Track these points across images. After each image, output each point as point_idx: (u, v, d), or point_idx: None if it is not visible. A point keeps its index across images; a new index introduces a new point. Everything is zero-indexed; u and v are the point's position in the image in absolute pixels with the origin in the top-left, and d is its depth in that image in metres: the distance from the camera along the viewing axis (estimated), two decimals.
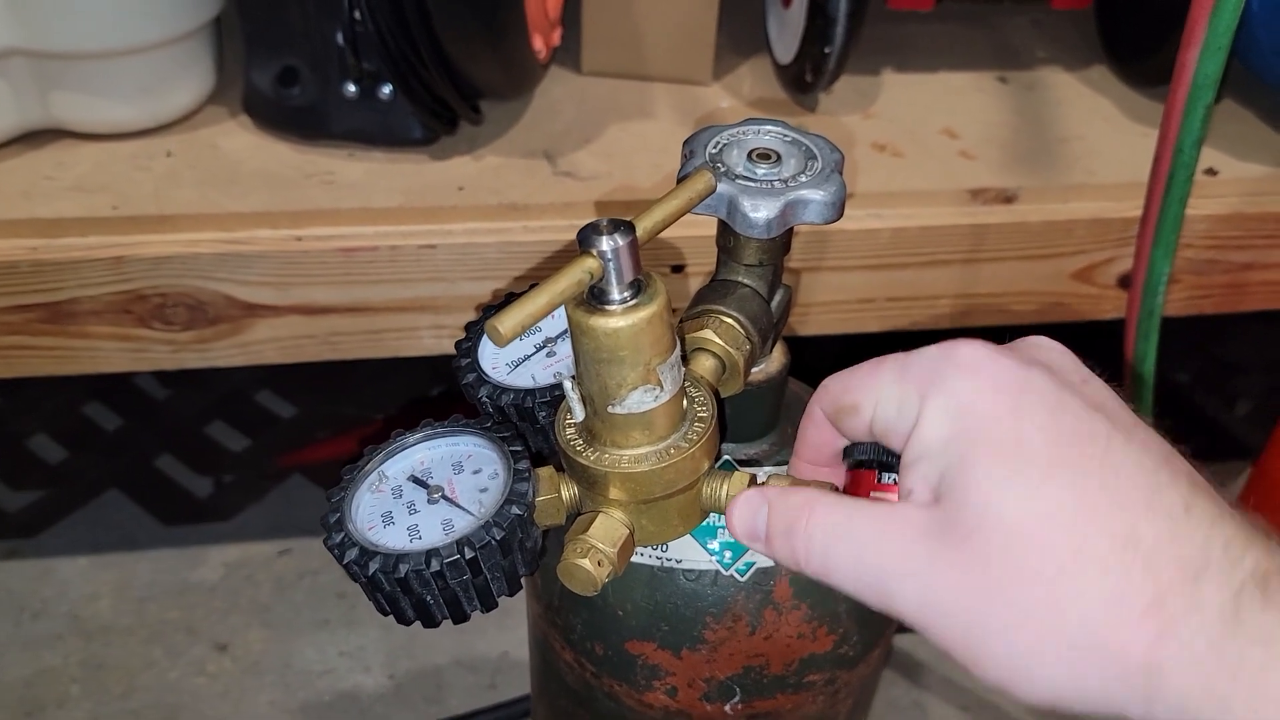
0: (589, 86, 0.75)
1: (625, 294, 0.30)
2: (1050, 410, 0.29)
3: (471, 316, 0.67)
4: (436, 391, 1.02)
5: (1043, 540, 0.27)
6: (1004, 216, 0.68)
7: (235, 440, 0.96)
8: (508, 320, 0.28)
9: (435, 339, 0.67)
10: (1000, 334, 0.33)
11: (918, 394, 0.30)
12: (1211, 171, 0.70)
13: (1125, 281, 0.70)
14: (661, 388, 0.31)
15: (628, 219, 0.30)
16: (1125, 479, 0.28)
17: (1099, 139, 0.73)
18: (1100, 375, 0.31)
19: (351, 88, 0.66)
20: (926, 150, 0.71)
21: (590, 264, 0.29)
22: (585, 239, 0.29)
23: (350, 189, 0.65)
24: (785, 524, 0.32)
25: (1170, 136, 0.50)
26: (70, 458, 0.94)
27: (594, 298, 0.30)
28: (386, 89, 0.66)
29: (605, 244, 0.29)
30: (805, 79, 0.71)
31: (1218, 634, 0.26)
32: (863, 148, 0.71)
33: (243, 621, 0.83)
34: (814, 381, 0.35)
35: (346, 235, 0.63)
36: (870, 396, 0.32)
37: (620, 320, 0.30)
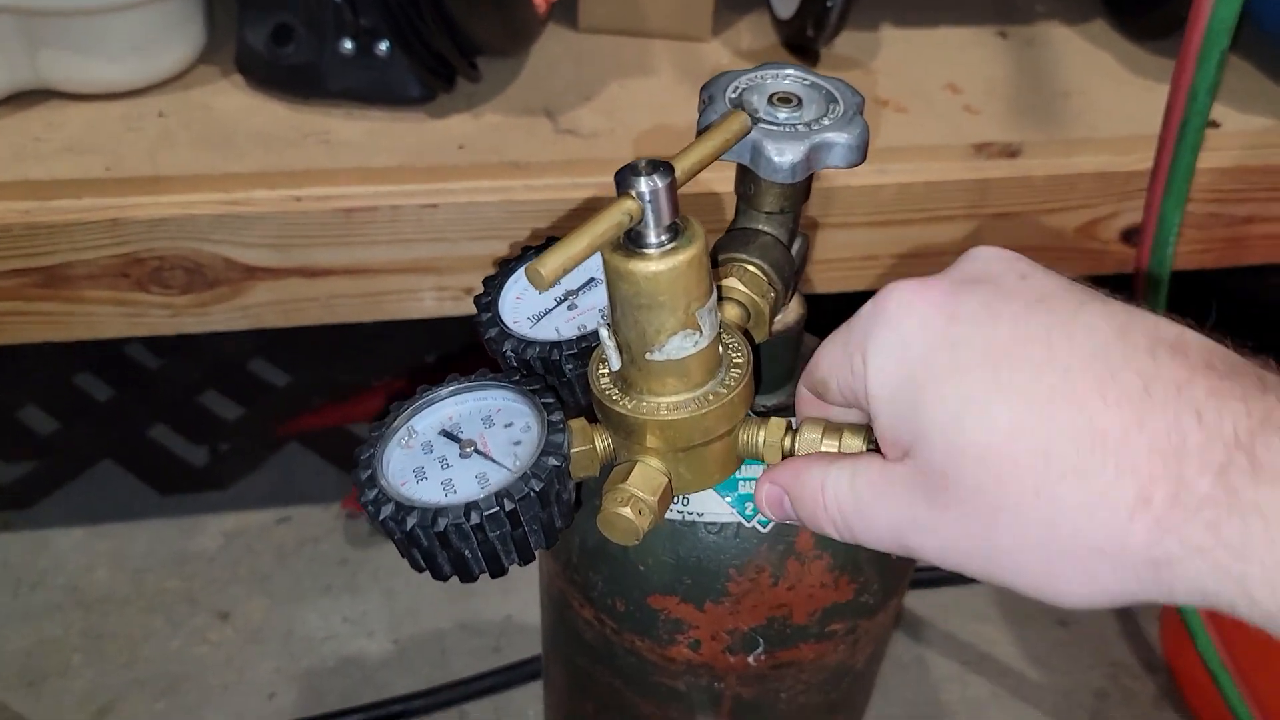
0: (587, 43, 0.74)
1: (663, 237, 0.29)
2: (983, 327, 0.28)
3: (474, 277, 0.66)
4: (433, 358, 1.01)
5: (1010, 464, 0.27)
6: (1008, 171, 0.68)
7: (230, 409, 0.95)
8: (550, 263, 0.27)
9: (437, 301, 0.67)
10: None
11: (860, 356, 0.30)
12: (1214, 124, 0.70)
13: (1128, 236, 0.70)
14: (700, 333, 0.31)
15: (666, 159, 0.29)
16: (1076, 372, 0.27)
17: (1100, 93, 0.73)
18: None
19: (348, 45, 0.64)
20: (930, 105, 0.71)
21: (629, 205, 0.28)
22: (623, 180, 0.28)
23: (348, 148, 0.64)
24: (808, 511, 0.33)
25: (1184, 84, 0.50)
26: (62, 429, 0.93)
27: (631, 241, 0.29)
28: (384, 45, 0.64)
29: (644, 185, 0.28)
30: (806, 34, 0.70)
31: (1213, 517, 0.25)
32: (868, 103, 0.70)
33: (243, 590, 0.83)
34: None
35: (346, 195, 0.62)
36: (830, 372, 0.32)
37: (659, 264, 0.29)
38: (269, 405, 0.96)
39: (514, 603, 0.83)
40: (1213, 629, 0.67)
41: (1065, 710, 0.77)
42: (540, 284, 0.27)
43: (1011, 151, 0.68)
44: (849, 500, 0.31)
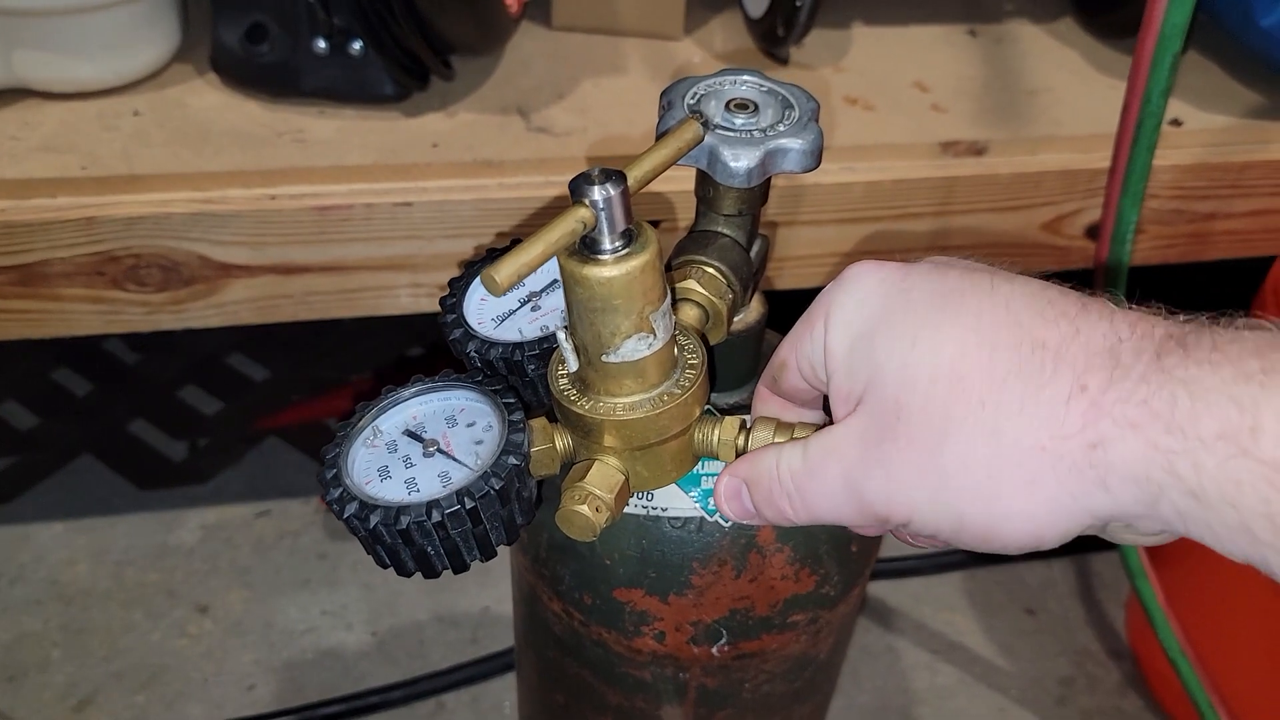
0: (560, 41, 0.75)
1: (617, 243, 0.30)
2: (933, 280, 0.31)
3: (448, 275, 0.67)
4: (415, 353, 1.01)
5: (957, 379, 0.28)
6: (974, 169, 0.69)
7: (209, 404, 0.96)
8: (504, 269, 0.28)
9: (412, 298, 0.67)
10: None
11: (822, 321, 0.32)
12: (1176, 122, 0.72)
13: (1093, 232, 0.72)
14: (655, 335, 0.32)
15: (618, 169, 0.30)
16: (1016, 303, 0.29)
17: (1067, 91, 0.74)
18: None
19: (322, 44, 0.65)
20: (898, 104, 0.72)
21: (583, 214, 0.29)
22: (577, 189, 0.29)
23: (323, 147, 0.64)
24: (764, 493, 0.34)
25: (1139, 86, 0.51)
26: (41, 424, 0.93)
27: (586, 247, 0.30)
28: (357, 44, 0.65)
29: (597, 193, 0.29)
30: (776, 32, 0.71)
31: (1144, 394, 0.26)
32: (835, 101, 0.72)
33: (223, 583, 0.83)
34: None
35: (320, 193, 0.63)
36: (791, 349, 0.34)
37: (613, 269, 0.30)
38: (248, 400, 0.96)
39: (491, 595, 0.84)
40: (1173, 618, 0.68)
41: (1032, 697, 0.79)
42: (495, 289, 0.28)
43: (978, 150, 0.69)
44: (800, 467, 0.32)
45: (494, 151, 0.65)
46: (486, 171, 0.65)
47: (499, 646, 0.80)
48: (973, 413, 0.28)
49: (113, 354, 0.99)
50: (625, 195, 0.30)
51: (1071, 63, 0.77)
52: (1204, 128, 0.72)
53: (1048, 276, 0.32)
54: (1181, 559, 0.74)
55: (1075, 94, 0.74)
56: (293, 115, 0.66)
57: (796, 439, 0.35)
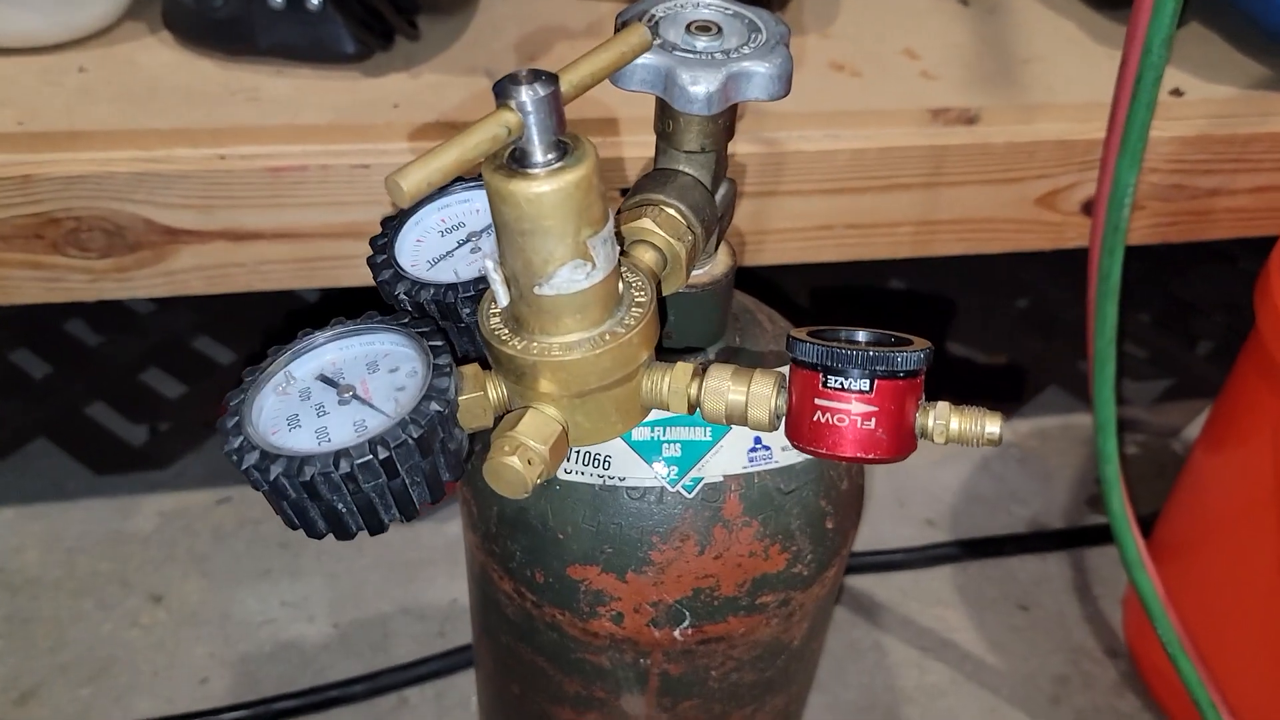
0: (534, 4, 0.72)
1: (550, 155, 0.27)
2: None
3: None
4: None
5: None
6: (966, 138, 0.65)
7: (171, 387, 0.92)
8: (411, 175, 0.25)
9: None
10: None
11: None
12: (1177, 92, 0.68)
13: (1088, 208, 0.68)
14: (593, 264, 0.28)
15: (551, 70, 0.27)
16: None
17: (1062, 60, 0.71)
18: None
19: None
20: (886, 70, 0.68)
21: (508, 118, 0.26)
22: (502, 90, 0.26)
23: (277, 106, 0.61)
24: None
25: (1138, 34, 0.47)
26: None
27: (514, 160, 0.27)
28: (315, 0, 0.62)
29: (525, 94, 0.26)
30: None
31: None
32: (820, 67, 0.68)
33: (179, 572, 0.80)
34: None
35: (273, 154, 0.59)
36: None
37: (544, 184, 0.27)
38: (212, 384, 0.93)
39: (460, 587, 0.80)
40: (1173, 612, 0.65)
41: (1025, 695, 0.75)
42: (400, 198, 0.25)
43: (969, 118, 0.66)
44: None
45: (459, 114, 0.62)
46: (450, 134, 0.61)
47: (467, 640, 0.76)
48: None
49: (74, 335, 0.95)
50: (557, 99, 0.26)
51: (1066, 32, 0.74)
52: (1206, 98, 0.69)
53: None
54: (1182, 552, 0.70)
55: (1071, 63, 0.71)
56: (247, 74, 0.63)
57: (755, 396, 0.32)
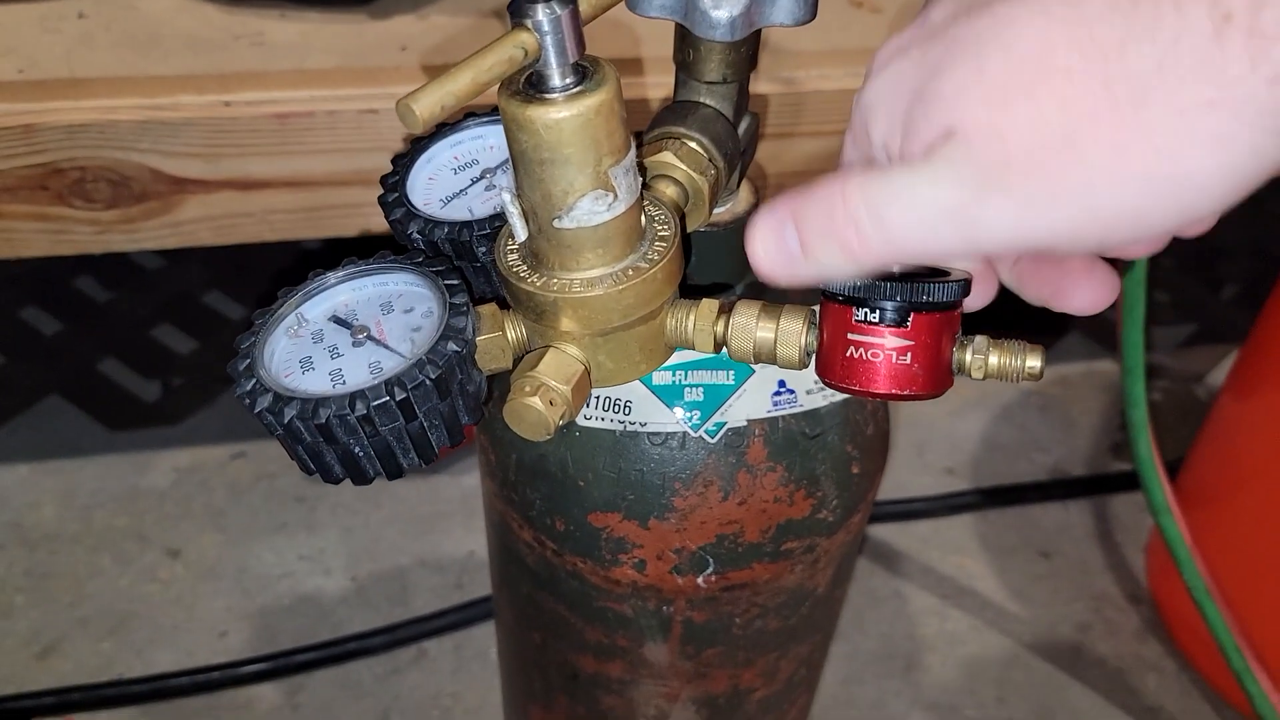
0: None
1: (569, 79, 0.25)
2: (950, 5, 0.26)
3: None
4: None
5: (1062, 77, 0.23)
6: None
7: (183, 343, 0.92)
8: (424, 98, 0.23)
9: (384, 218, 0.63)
10: None
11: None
12: None
13: None
14: (615, 195, 0.27)
15: None
16: None
17: None
18: None
19: None
20: (908, 5, 0.66)
21: (524, 38, 0.24)
22: (517, 9, 0.24)
23: (283, 50, 0.60)
24: (822, 222, 0.26)
25: None
26: (8, 363, 0.89)
27: (531, 85, 0.26)
28: None
29: (541, 13, 0.24)
30: None
31: None
32: (840, 3, 0.66)
33: (195, 527, 0.79)
34: None
35: (279, 99, 0.58)
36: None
37: (563, 110, 0.25)
38: (224, 338, 0.92)
39: (478, 539, 0.80)
40: (1199, 558, 0.64)
41: (1047, 643, 0.75)
42: (413, 123, 0.23)
43: None
44: (883, 186, 0.25)
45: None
46: None
47: (485, 592, 0.76)
48: (1100, 103, 0.22)
49: (84, 292, 0.94)
50: (576, 18, 0.25)
51: None
52: None
53: None
54: (1209, 498, 0.69)
55: None
56: (251, 19, 0.62)
57: (785, 333, 0.30)
